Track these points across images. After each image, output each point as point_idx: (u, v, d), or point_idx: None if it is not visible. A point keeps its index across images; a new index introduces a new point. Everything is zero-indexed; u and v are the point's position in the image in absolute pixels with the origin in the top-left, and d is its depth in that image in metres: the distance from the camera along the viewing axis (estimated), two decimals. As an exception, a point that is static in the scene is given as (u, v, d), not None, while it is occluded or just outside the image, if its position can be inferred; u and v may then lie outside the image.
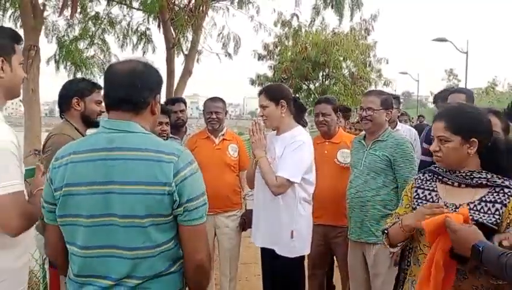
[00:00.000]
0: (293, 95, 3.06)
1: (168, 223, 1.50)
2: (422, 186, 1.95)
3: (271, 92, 3.00)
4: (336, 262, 3.85)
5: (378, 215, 3.02)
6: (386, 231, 1.98)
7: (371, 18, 18.99)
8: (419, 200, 1.93)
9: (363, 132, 3.27)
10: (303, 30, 15.87)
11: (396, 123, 4.26)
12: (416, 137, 4.03)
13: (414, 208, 1.94)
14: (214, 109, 3.70)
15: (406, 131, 4.15)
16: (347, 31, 19.36)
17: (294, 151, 2.84)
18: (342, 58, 19.08)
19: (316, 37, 19.17)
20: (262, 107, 2.99)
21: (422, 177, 1.98)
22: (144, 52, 10.30)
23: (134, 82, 1.53)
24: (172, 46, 9.05)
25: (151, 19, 9.72)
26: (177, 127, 4.00)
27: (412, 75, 35.72)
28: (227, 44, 10.35)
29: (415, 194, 1.96)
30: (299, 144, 2.86)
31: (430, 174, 1.96)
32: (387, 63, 20.61)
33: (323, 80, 20.44)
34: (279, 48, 20.36)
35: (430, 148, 1.92)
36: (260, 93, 3.05)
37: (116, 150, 1.49)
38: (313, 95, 19.94)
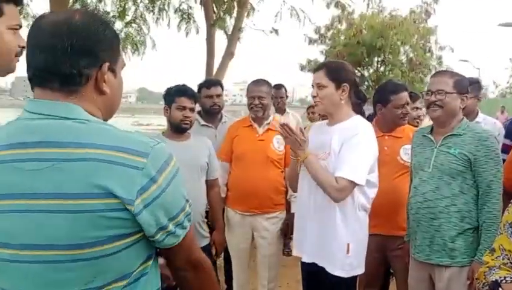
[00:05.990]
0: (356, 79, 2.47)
1: (133, 244, 1.01)
2: None
3: (333, 71, 2.39)
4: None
5: (454, 231, 2.42)
6: (500, 288, 1.34)
7: (432, 0, 17.65)
8: None
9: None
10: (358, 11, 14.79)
11: (477, 114, 3.59)
12: (502, 132, 3.33)
13: None
14: (257, 94, 3.19)
15: (489, 124, 3.47)
16: (406, 13, 18.11)
17: (357, 146, 2.28)
18: (400, 43, 17.82)
19: (371, 20, 17.93)
20: (318, 86, 2.39)
21: None
22: (187, 33, 9.78)
23: (58, 43, 0.99)
24: (213, 24, 8.54)
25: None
26: (212, 114, 3.55)
27: (473, 63, 33.72)
28: (278, 19, 9.30)
29: None
30: (363, 137, 2.32)
31: None
32: (452, 51, 18.95)
33: (378, 65, 19.32)
34: (331, 31, 19.42)
35: None
36: (318, 68, 2.45)
37: (39, 146, 0.98)
38: (366, 83, 18.86)
